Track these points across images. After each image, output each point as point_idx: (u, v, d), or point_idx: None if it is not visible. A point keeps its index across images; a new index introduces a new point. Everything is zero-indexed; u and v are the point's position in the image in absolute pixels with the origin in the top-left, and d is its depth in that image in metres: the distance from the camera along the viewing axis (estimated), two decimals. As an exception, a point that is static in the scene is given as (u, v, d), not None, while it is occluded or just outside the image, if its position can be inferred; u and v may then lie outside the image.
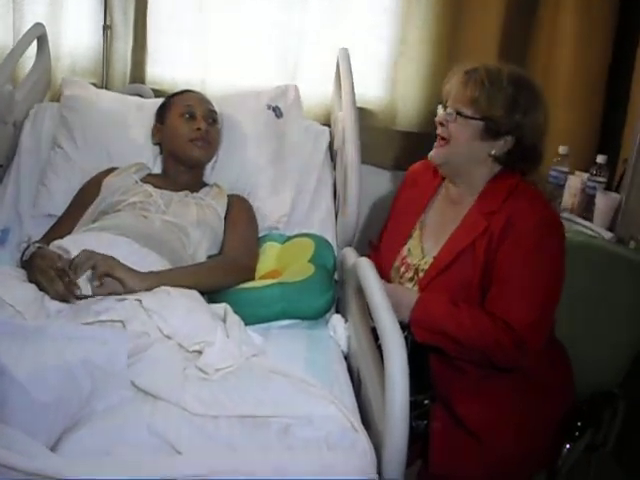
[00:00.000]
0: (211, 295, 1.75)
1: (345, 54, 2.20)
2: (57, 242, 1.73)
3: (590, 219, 2.15)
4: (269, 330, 1.72)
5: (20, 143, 2.18)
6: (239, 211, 2.03)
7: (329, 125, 2.37)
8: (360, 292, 1.55)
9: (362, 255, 1.69)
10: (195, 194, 2.01)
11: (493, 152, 1.69)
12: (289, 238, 2.05)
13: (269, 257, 1.98)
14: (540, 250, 1.61)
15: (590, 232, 2.06)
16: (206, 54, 2.51)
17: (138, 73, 2.54)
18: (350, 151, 1.97)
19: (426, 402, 1.69)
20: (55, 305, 1.53)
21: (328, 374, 1.52)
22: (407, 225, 1.83)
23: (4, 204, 2.11)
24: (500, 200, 1.67)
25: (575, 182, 2.24)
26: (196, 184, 2.07)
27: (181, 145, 2.02)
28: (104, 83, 2.52)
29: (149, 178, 2.04)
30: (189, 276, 1.71)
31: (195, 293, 1.65)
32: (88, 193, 2.01)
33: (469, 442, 1.63)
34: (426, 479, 1.67)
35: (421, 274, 1.73)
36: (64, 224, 1.94)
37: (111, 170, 2.06)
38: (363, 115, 2.38)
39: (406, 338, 1.38)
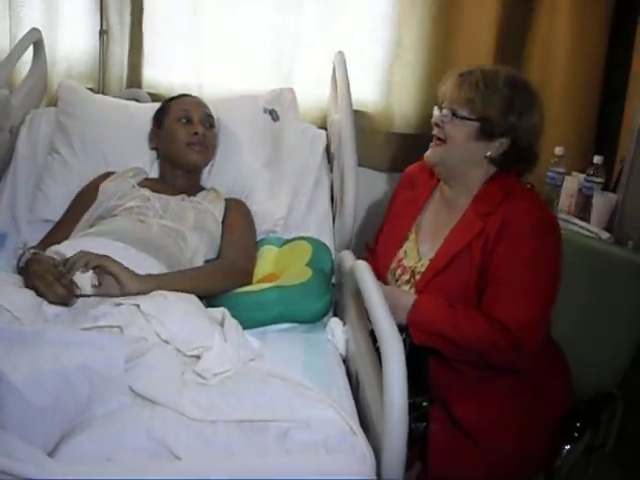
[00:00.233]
0: (209, 299, 1.75)
1: (341, 57, 2.20)
2: (54, 247, 1.73)
3: (587, 220, 2.16)
4: (267, 334, 1.72)
5: (16, 149, 2.18)
6: (236, 215, 2.03)
7: (325, 128, 2.37)
8: (358, 295, 1.55)
9: (359, 258, 1.69)
10: (192, 198, 2.01)
11: (488, 153, 1.69)
12: (286, 241, 2.05)
13: (267, 261, 1.98)
14: (536, 251, 1.62)
15: (588, 233, 2.06)
16: (202, 58, 2.51)
17: (135, 77, 2.54)
18: (346, 154, 1.97)
19: (424, 404, 1.69)
20: (53, 310, 1.52)
21: (326, 377, 1.52)
22: (403, 227, 1.83)
23: (0, 210, 2.10)
24: (496, 201, 1.67)
25: (572, 183, 2.24)
26: (193, 188, 2.07)
27: (178, 149, 2.02)
28: (101, 88, 2.52)
29: (146, 182, 2.04)
30: (187, 280, 1.71)
31: (193, 297, 1.65)
32: (85, 198, 2.01)
33: (467, 444, 1.63)
34: (425, 481, 1.67)
35: (418, 276, 1.74)
36: (61, 229, 1.94)
37: (108, 175, 2.06)
38: (359, 118, 2.38)
39: (404, 340, 1.38)
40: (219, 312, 1.63)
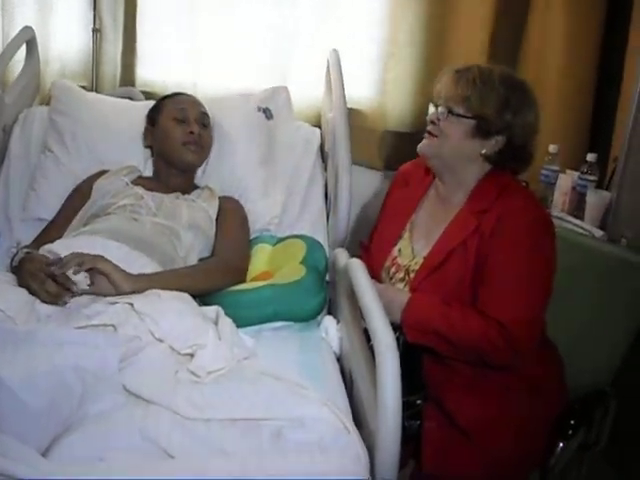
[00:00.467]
0: (203, 297, 1.75)
1: (335, 55, 2.20)
2: (47, 246, 1.73)
3: (581, 217, 2.16)
4: (261, 332, 1.72)
5: (9, 147, 2.17)
6: (230, 213, 2.03)
7: (320, 126, 2.37)
8: (352, 293, 1.55)
9: (353, 256, 1.69)
10: (186, 196, 2.01)
11: (484, 151, 1.69)
12: (280, 240, 2.05)
13: (260, 259, 1.98)
14: (531, 249, 1.62)
15: (581, 230, 2.07)
16: (196, 56, 2.50)
17: (128, 76, 2.53)
18: (341, 152, 1.97)
19: (418, 402, 1.70)
20: (46, 309, 1.52)
21: (320, 376, 1.52)
22: (397, 225, 1.83)
23: (-7, 208, 2.10)
24: (491, 199, 1.67)
25: (566, 181, 2.25)
26: (187, 186, 2.06)
27: (174, 148, 2.01)
28: (94, 86, 2.52)
29: (140, 180, 2.04)
30: (180, 278, 1.71)
31: (186, 296, 1.64)
32: (79, 196, 2.00)
33: (462, 442, 1.63)
34: (419, 479, 1.67)
35: (412, 274, 1.74)
36: (54, 228, 1.94)
37: (102, 173, 2.05)
38: (354, 116, 2.38)
39: (398, 339, 1.38)
40: (213, 310, 1.62)
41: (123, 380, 1.30)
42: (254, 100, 2.24)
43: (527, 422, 1.66)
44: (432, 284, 1.68)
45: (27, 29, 2.24)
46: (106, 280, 1.57)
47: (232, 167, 2.15)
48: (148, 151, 2.16)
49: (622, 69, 2.32)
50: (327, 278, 1.93)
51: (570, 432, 1.67)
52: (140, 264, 1.69)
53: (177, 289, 1.63)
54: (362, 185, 2.33)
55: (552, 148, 2.28)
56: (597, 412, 1.77)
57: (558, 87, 2.41)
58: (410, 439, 1.62)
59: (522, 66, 2.44)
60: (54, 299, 1.54)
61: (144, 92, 2.49)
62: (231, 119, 2.19)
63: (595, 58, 2.41)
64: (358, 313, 1.56)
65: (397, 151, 2.50)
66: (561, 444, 1.65)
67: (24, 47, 2.26)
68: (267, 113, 2.22)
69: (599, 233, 2.06)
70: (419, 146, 1.75)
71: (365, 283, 1.46)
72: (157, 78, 2.54)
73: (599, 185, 2.22)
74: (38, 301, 1.54)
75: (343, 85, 2.10)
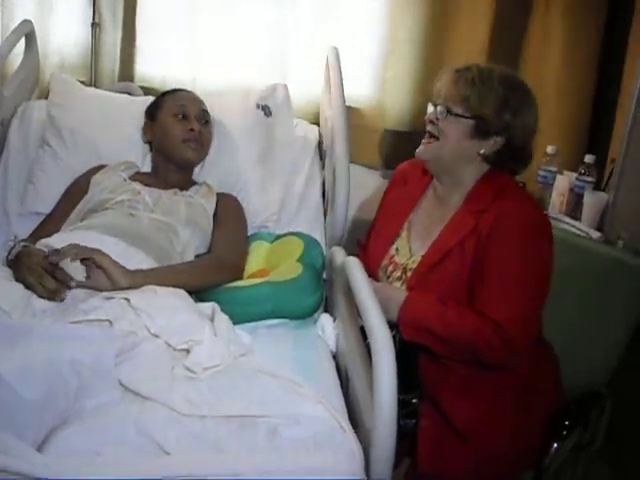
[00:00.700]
0: (199, 294, 1.75)
1: (334, 53, 2.19)
2: (44, 240, 1.72)
3: (578, 218, 2.16)
4: (257, 329, 1.71)
5: (7, 141, 2.17)
6: (228, 210, 2.03)
7: (318, 124, 2.37)
8: (348, 291, 1.55)
9: (351, 254, 1.69)
10: (184, 192, 2.00)
11: (482, 151, 1.69)
12: (278, 237, 2.05)
13: (258, 256, 1.98)
14: (528, 249, 1.62)
15: (578, 231, 2.07)
16: (195, 52, 2.50)
17: (127, 71, 2.53)
18: (339, 150, 1.97)
19: (414, 401, 1.70)
20: (41, 304, 1.52)
21: (316, 373, 1.52)
22: (395, 224, 1.83)
23: (-10, 202, 2.10)
24: (489, 199, 1.67)
25: (563, 182, 2.25)
26: (186, 183, 2.06)
27: (173, 145, 2.01)
28: (93, 81, 2.51)
29: (138, 176, 2.03)
30: (177, 275, 1.71)
31: (182, 292, 1.64)
32: (76, 191, 2.00)
33: (457, 441, 1.63)
34: (414, 478, 1.67)
35: (409, 273, 1.73)
36: (52, 222, 1.93)
37: (99, 168, 2.05)
38: (352, 114, 2.38)
39: (394, 337, 1.38)
40: (209, 307, 1.62)
41: (119, 375, 1.29)
42: (253, 97, 2.24)
43: (522, 422, 1.66)
44: (429, 283, 1.68)
45: (26, 22, 2.23)
46: (103, 275, 1.57)
47: (230, 164, 2.15)
48: (146, 147, 2.15)
49: (621, 71, 2.33)
50: (324, 276, 1.93)
51: (565, 432, 1.68)
52: (137, 260, 1.69)
53: (174, 285, 1.63)
54: (360, 184, 2.32)
55: (550, 149, 2.28)
56: (593, 412, 1.77)
57: (557, 88, 2.42)
58: (405, 438, 1.63)
59: (521, 67, 2.44)
60: (52, 295, 1.54)
61: (143, 87, 2.49)
62: (230, 115, 2.19)
63: (594, 60, 2.42)
64: (355, 311, 1.56)
65: (395, 150, 2.51)
66: (556, 444, 1.65)
67: (23, 40, 2.25)
68: (266, 110, 2.21)
69: (596, 234, 2.07)
70: (417, 151, 1.74)
71: (362, 281, 1.47)
72: (156, 73, 2.53)
73: (596, 187, 2.23)
74: (34, 296, 1.54)
75: (342, 82, 2.10)
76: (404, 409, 1.60)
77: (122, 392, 1.28)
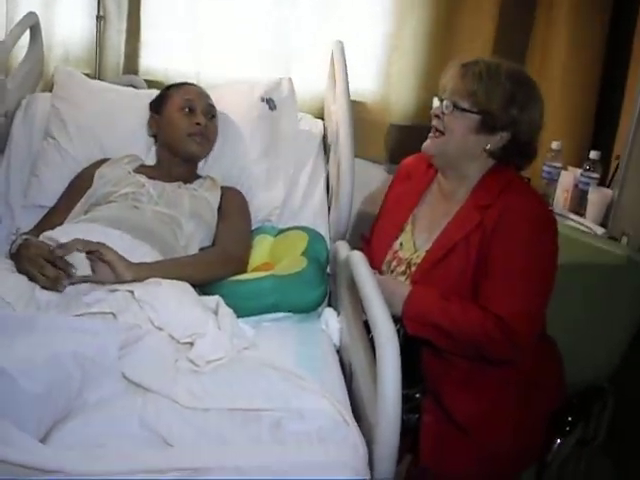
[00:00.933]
0: (203, 287, 1.75)
1: (339, 47, 2.18)
2: (48, 233, 1.73)
3: (583, 215, 2.16)
4: (261, 323, 1.72)
5: (11, 133, 2.17)
6: (232, 203, 2.03)
7: (323, 118, 2.37)
8: (352, 285, 1.55)
9: (355, 249, 1.69)
10: (189, 185, 2.00)
11: (488, 147, 1.68)
12: (282, 231, 2.05)
13: (262, 250, 1.98)
14: (532, 245, 1.61)
15: (582, 228, 2.07)
16: (200, 46, 2.49)
17: (131, 64, 2.52)
18: (343, 144, 1.97)
19: (417, 396, 1.70)
20: (45, 296, 1.52)
21: (320, 367, 1.52)
22: (399, 219, 1.82)
23: (-5, 194, 2.10)
24: (494, 194, 1.66)
25: (568, 178, 2.24)
26: (190, 176, 2.06)
27: (179, 139, 2.01)
28: (97, 73, 2.51)
29: (142, 169, 2.03)
30: (181, 268, 1.71)
31: (186, 285, 1.64)
32: (80, 184, 2.00)
33: (460, 436, 1.63)
34: (416, 473, 1.67)
35: (413, 268, 1.73)
36: (55, 215, 1.93)
37: (103, 161, 2.05)
38: (357, 108, 2.37)
39: (398, 331, 1.37)
40: (213, 300, 1.62)
41: (123, 368, 1.30)
42: (258, 90, 2.23)
43: (525, 417, 1.66)
44: (433, 278, 1.68)
45: (31, 15, 2.23)
46: (107, 268, 1.57)
47: (235, 157, 2.15)
48: (151, 140, 2.15)
49: (627, 67, 2.32)
50: (328, 270, 1.93)
51: (568, 428, 1.68)
52: (141, 253, 1.68)
53: (178, 278, 1.63)
54: (365, 178, 2.33)
55: (555, 145, 2.28)
56: (595, 408, 1.77)
57: (562, 83, 2.41)
58: (408, 433, 1.62)
59: (527, 62, 2.44)
60: (52, 283, 1.53)
61: (147, 80, 2.48)
62: (234, 109, 2.19)
63: (600, 56, 2.41)
64: (359, 305, 1.56)
65: (400, 144, 2.50)
66: (559, 440, 1.65)
67: (28, 32, 2.24)
68: (271, 104, 2.21)
69: (600, 231, 2.06)
70: (423, 146, 1.74)
71: (366, 275, 1.46)
72: (160, 67, 2.52)
73: (601, 183, 2.22)
74: (38, 288, 1.54)
75: (347, 77, 2.09)
76: (407, 404, 1.59)
77: (126, 385, 1.28)
